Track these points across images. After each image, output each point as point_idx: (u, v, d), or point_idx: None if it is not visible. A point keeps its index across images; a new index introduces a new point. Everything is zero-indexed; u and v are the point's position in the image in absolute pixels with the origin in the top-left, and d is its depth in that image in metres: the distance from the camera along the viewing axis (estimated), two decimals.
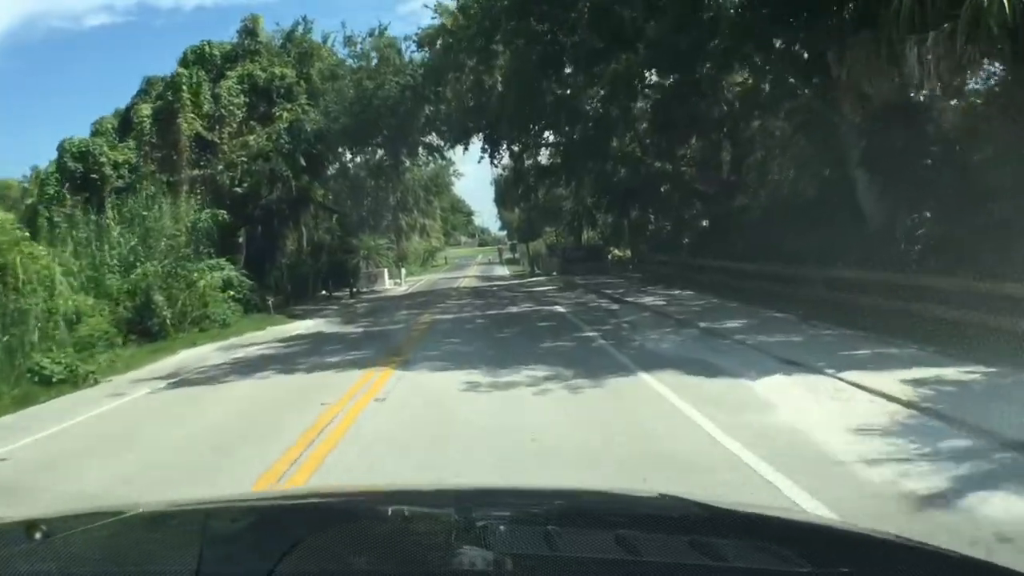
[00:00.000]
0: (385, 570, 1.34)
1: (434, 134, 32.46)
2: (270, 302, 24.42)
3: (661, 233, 31.70)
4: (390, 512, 1.85)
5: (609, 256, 41.64)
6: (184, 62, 29.74)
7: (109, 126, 29.36)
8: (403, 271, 44.12)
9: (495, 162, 32.46)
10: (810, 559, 1.35)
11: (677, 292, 21.85)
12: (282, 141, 26.49)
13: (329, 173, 36.65)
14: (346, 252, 42.85)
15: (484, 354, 11.81)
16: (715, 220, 26.33)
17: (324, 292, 36.47)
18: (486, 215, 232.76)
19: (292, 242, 41.56)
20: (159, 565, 1.44)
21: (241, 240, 32.39)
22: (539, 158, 33.76)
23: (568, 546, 1.44)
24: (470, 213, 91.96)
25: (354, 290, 36.84)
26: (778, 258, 16.72)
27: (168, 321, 20.75)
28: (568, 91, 24.03)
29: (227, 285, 24.60)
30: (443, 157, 32.95)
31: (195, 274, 22.49)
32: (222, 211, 23.71)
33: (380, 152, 30.56)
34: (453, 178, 38.55)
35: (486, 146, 28.60)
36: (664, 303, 18.88)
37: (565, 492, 2.39)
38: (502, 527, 1.59)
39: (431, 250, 68.17)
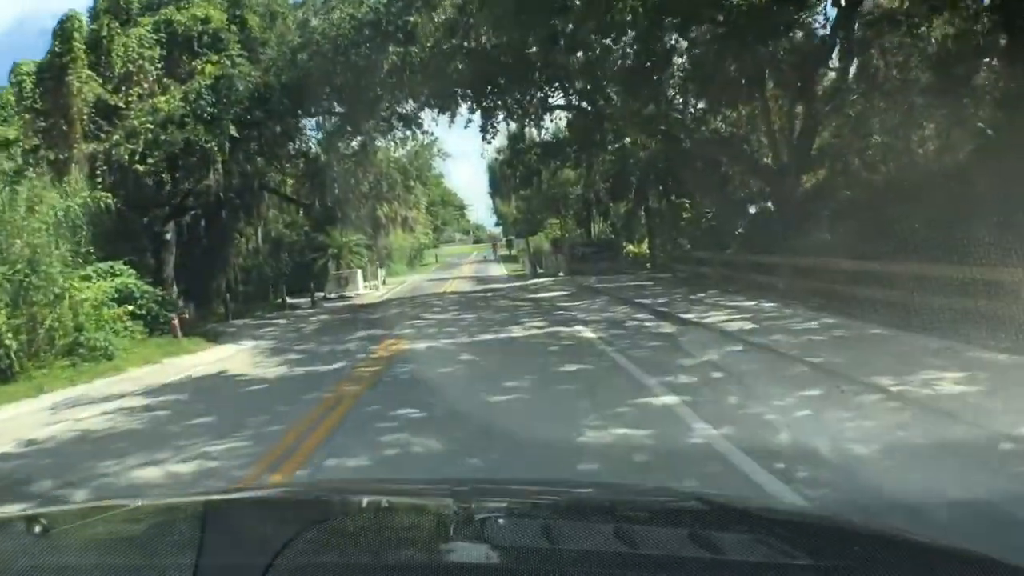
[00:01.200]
0: (384, 562, 1.31)
1: (410, 101, 25.88)
2: (175, 319, 17.73)
3: (699, 222, 25.13)
4: (390, 505, 1.83)
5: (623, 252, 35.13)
6: (95, 14, 23.08)
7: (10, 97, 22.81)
8: (382, 272, 37.48)
9: (488, 136, 26.01)
10: (811, 552, 1.36)
11: (747, 303, 15.32)
12: (202, 102, 19.81)
13: (291, 153, 30.15)
14: (315, 250, 36.31)
15: (465, 463, 5.34)
16: (783, 203, 19.79)
17: (286, 299, 29.83)
18: (482, 210, 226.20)
19: (251, 240, 35.07)
20: (158, 559, 1.39)
21: (169, 237, 25.78)
22: (544, 129, 27.25)
23: (567, 539, 1.43)
24: (462, 207, 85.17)
25: (317, 296, 30.19)
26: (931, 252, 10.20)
27: (15, 353, 14.22)
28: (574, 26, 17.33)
29: (124, 298, 17.98)
30: (419, 127, 26.27)
31: (67, 283, 15.87)
32: (105, 195, 17.02)
33: (335, 119, 23.91)
34: (438, 158, 31.75)
35: (472, 106, 22.02)
36: (750, 323, 12.31)
37: (565, 484, 2.47)
38: (502, 520, 1.58)
39: (418, 248, 61.41)
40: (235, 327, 21.87)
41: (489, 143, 26.80)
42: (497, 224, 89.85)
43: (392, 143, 28.26)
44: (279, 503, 1.93)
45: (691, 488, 1.88)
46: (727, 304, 15.59)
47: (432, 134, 27.07)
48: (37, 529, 1.48)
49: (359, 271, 34.25)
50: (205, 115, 20.11)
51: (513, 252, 73.51)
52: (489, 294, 26.62)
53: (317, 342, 15.94)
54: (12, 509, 4.64)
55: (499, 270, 49.55)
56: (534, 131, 27.68)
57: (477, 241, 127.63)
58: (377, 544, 1.46)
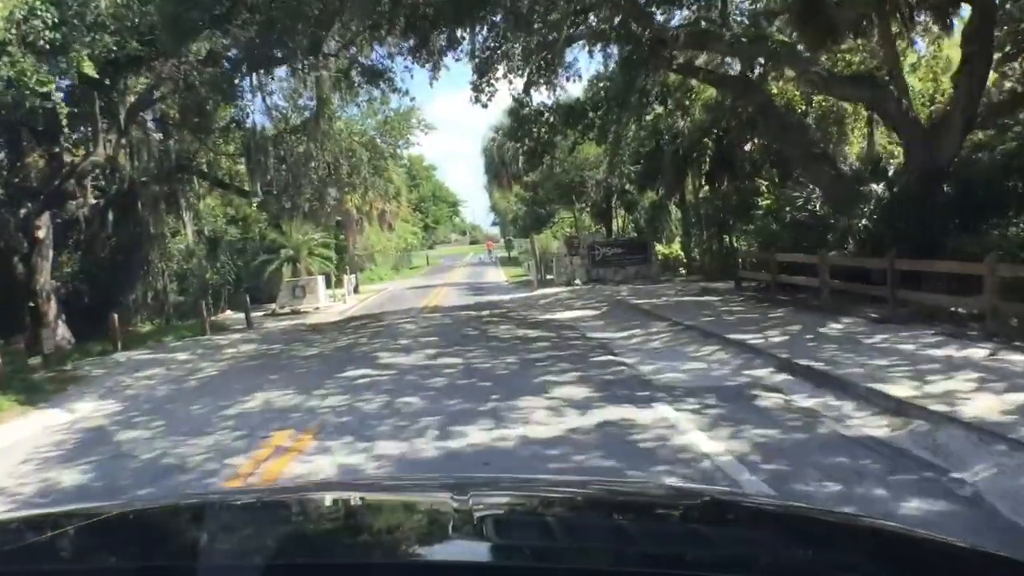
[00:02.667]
0: (381, 561, 1.28)
1: (375, 49, 18.65)
2: None
3: (782, 211, 17.82)
4: (387, 503, 1.84)
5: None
6: None
7: None
8: (352, 278, 30.11)
9: (482, 97, 18.95)
10: (808, 548, 1.36)
11: (949, 347, 8.12)
12: (35, 25, 12.52)
13: (227, 125, 22.99)
14: (269, 252, 28.97)
15: None
16: (934, 177, 12.66)
17: (210, 315, 22.50)
18: (479, 210, 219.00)
19: (183, 239, 27.66)
20: (156, 560, 1.34)
21: (43, 234, 18.56)
22: (559, 88, 19.99)
23: (567, 536, 1.43)
24: (455, 203, 77.53)
25: (266, 310, 22.87)
26: None
27: None
28: None
29: None
30: (390, 84, 19.00)
31: None
32: None
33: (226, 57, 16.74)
34: (420, 132, 24.19)
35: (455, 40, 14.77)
36: None
37: (565, 482, 2.50)
38: (500, 517, 1.59)
39: (405, 248, 54.06)
40: (110, 366, 14.67)
41: (484, 107, 19.52)
42: (494, 224, 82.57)
43: (353, 104, 20.94)
44: (276, 504, 1.88)
45: (693, 486, 1.87)
46: (915, 347, 8.36)
47: (407, 92, 19.74)
48: (33, 533, 1.56)
49: (320, 278, 26.94)
50: (42, 41, 12.78)
51: (513, 253, 66.05)
52: (484, 312, 19.28)
53: (167, 420, 8.62)
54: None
55: (497, 275, 42.20)
56: (545, 92, 20.40)
57: (474, 242, 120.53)
58: (374, 542, 1.45)
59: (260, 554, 1.27)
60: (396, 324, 17.80)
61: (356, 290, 32.84)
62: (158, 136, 23.28)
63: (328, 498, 1.97)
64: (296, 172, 22.81)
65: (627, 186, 27.99)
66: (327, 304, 26.80)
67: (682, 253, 31.34)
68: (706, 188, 29.01)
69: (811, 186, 16.25)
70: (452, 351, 12.09)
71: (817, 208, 15.67)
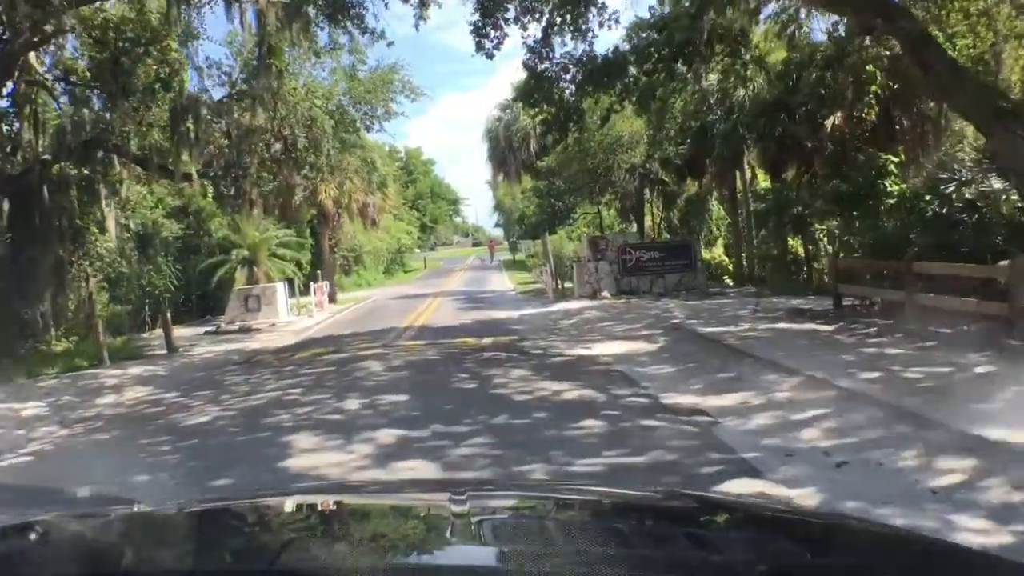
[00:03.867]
0: (379, 565, 1.30)
1: None
2: None
3: (906, 203, 12.31)
4: (386, 507, 1.84)
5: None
6: None
7: None
8: (326, 284, 24.51)
9: (487, 43, 14.01)
10: (808, 551, 1.35)
11: None
12: None
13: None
14: (224, 252, 23.51)
15: None
16: None
17: (103, 340, 17.16)
18: (482, 212, 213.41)
19: (111, 232, 22.12)
20: (155, 564, 1.39)
21: None
22: (590, 36, 14.76)
23: (563, 541, 1.43)
24: (456, 200, 71.78)
25: (171, 339, 17.45)
26: None
27: None
28: None
29: None
30: (354, 22, 13.55)
31: None
32: None
33: None
34: (404, 98, 18.31)
35: None
36: None
37: (563, 488, 2.42)
38: (499, 522, 1.59)
39: (397, 250, 48.40)
40: None
41: (490, 57, 14.10)
42: (497, 225, 76.94)
43: (311, 53, 15.42)
44: (275, 508, 1.90)
45: (692, 491, 1.73)
46: None
47: (382, 34, 14.03)
48: (33, 536, 1.53)
49: (280, 285, 21.40)
50: None
51: (519, 256, 60.39)
52: (487, 341, 13.70)
53: None
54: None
55: (502, 281, 36.59)
56: (570, 41, 14.94)
57: (476, 244, 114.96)
58: (372, 547, 1.43)
59: (257, 559, 1.27)
60: (358, 358, 12.29)
61: (333, 299, 27.32)
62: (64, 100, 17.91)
63: (327, 503, 1.93)
64: (240, 147, 17.35)
65: (663, 175, 22.47)
66: (288, 319, 21.31)
67: (725, 258, 25.84)
68: (757, 178, 23.54)
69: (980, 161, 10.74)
70: (426, 437, 6.57)
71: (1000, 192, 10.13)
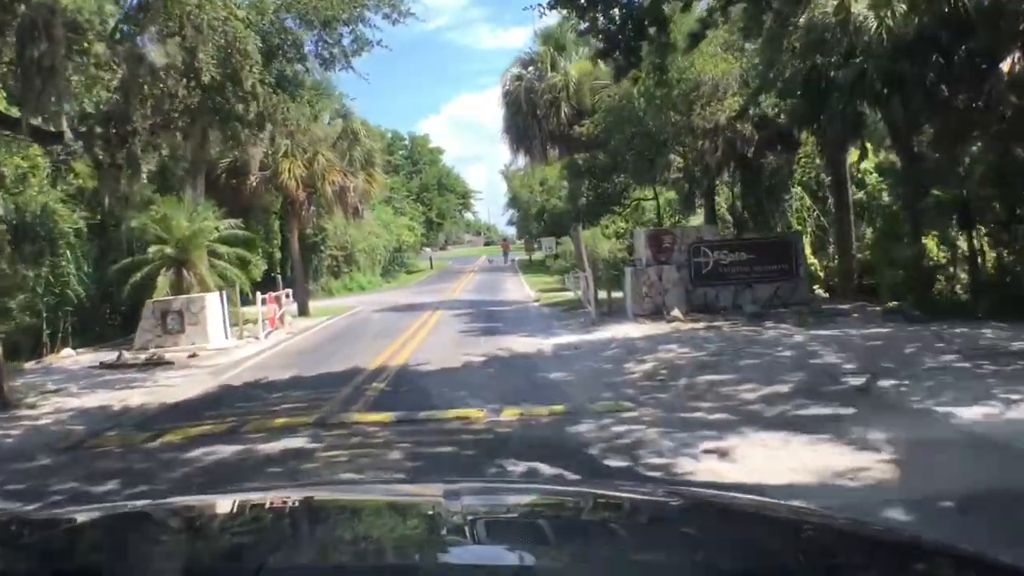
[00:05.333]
0: (373, 565, 1.28)
1: None
2: None
3: None
4: (380, 507, 1.79)
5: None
6: None
7: None
8: (283, 295, 18.17)
9: None
10: (802, 551, 1.35)
11: None
12: None
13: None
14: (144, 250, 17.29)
15: None
16: None
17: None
18: (495, 210, 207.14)
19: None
20: (149, 562, 1.39)
21: None
22: None
23: (559, 541, 1.41)
24: (466, 194, 65.06)
25: (5, 387, 11.05)
26: None
27: None
28: None
29: None
30: None
31: None
32: None
33: None
34: (379, 22, 11.88)
35: None
36: None
37: (558, 490, 2.41)
38: (494, 522, 1.54)
39: (396, 249, 41.95)
40: None
41: None
42: (511, 223, 70.29)
43: None
44: (269, 507, 1.86)
45: (692, 490, 1.81)
46: None
47: None
48: (26, 533, 1.56)
49: (212, 297, 15.14)
50: None
51: (536, 256, 53.96)
52: (507, 416, 7.30)
53: None
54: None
55: (520, 287, 30.24)
56: None
57: (488, 243, 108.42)
58: (366, 546, 1.42)
59: (251, 558, 1.25)
60: (249, 462, 6.05)
61: (305, 310, 21.13)
62: None
63: (321, 502, 1.90)
64: (129, 90, 11.22)
65: (748, 147, 16.04)
66: (223, 343, 15.12)
67: (816, 261, 19.36)
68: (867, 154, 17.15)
69: None
70: None
71: None
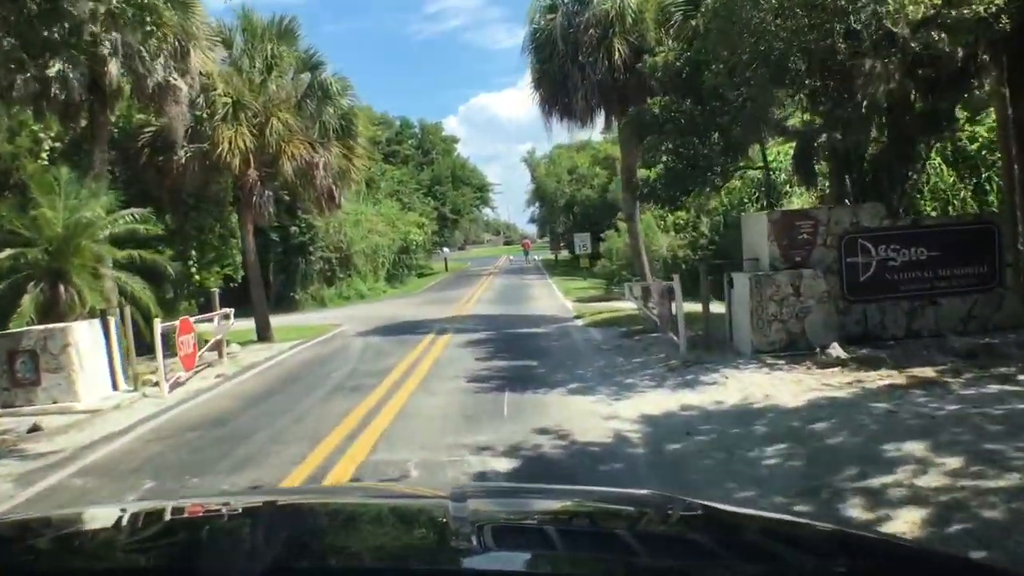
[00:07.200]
0: (377, 567, 1.28)
1: None
2: None
3: None
4: (385, 509, 1.79)
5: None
6: None
7: None
8: (217, 316, 12.69)
9: None
10: (804, 558, 1.35)
11: None
12: None
13: None
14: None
15: None
16: None
17: None
18: (514, 209, 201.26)
19: None
20: (155, 562, 1.38)
21: None
22: None
23: (563, 544, 1.39)
24: (483, 187, 58.81)
25: None
26: None
27: None
28: None
29: None
30: None
31: None
32: None
33: None
34: None
35: None
36: None
37: (561, 491, 2.40)
38: (499, 525, 1.54)
39: (404, 247, 36.13)
40: None
41: None
42: (532, 221, 64.44)
43: None
44: (274, 508, 1.84)
45: (690, 499, 1.61)
46: None
47: None
48: (32, 533, 1.55)
49: (86, 327, 9.74)
50: None
51: (562, 256, 48.09)
52: None
53: None
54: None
55: (551, 295, 24.52)
56: None
57: (508, 242, 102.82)
58: (371, 548, 1.41)
59: (258, 560, 1.25)
60: None
61: (265, 334, 15.62)
62: None
63: (327, 505, 1.89)
64: None
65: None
66: (105, 400, 9.63)
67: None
68: None
69: None
70: None
71: None
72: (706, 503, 1.78)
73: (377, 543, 1.45)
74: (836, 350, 8.36)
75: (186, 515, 1.76)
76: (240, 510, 1.80)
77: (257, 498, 2.15)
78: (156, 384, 10.34)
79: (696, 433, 6.11)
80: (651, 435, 6.19)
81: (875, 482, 4.63)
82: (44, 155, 13.55)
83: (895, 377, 7.49)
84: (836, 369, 8.04)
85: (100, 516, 1.79)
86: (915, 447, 5.20)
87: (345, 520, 1.67)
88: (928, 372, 7.57)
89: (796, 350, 8.95)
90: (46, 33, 9.48)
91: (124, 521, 1.72)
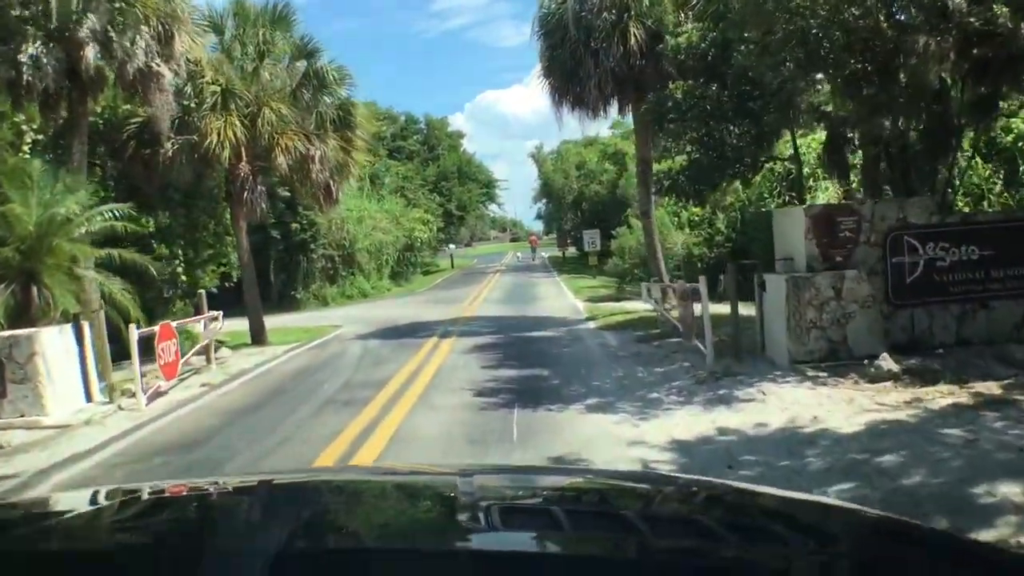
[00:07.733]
0: (387, 547, 1.24)
1: None
2: None
3: None
4: (395, 490, 1.75)
5: None
6: None
7: None
8: (203, 321, 11.90)
9: None
10: (809, 537, 1.33)
11: None
12: None
13: None
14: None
15: None
16: None
17: None
18: (520, 206, 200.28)
19: None
20: (166, 543, 1.34)
21: None
22: None
23: (571, 523, 1.36)
24: (489, 183, 57.81)
25: None
26: None
27: None
28: None
29: None
30: None
31: None
32: None
33: None
34: None
35: None
36: None
37: (567, 471, 2.44)
38: (507, 504, 1.49)
39: (409, 245, 35.33)
40: None
41: None
42: (538, 217, 63.68)
43: None
44: (286, 489, 1.78)
45: (697, 478, 1.68)
46: None
47: None
48: (45, 514, 1.52)
49: (49, 333, 8.95)
50: None
51: (570, 253, 47.18)
52: None
53: None
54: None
55: (560, 294, 23.66)
56: None
57: (514, 239, 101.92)
58: (381, 529, 1.40)
59: (267, 540, 1.21)
60: None
61: (260, 336, 14.81)
62: None
63: (338, 485, 1.85)
64: None
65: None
66: (75, 413, 8.80)
67: None
68: None
69: None
70: None
71: None
72: (715, 480, 1.72)
73: (382, 525, 1.43)
74: (887, 361, 7.45)
75: (191, 495, 1.75)
76: (245, 493, 1.77)
77: (263, 479, 2.13)
78: (134, 395, 9.53)
79: (739, 466, 5.22)
80: (686, 468, 5.31)
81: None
82: (26, 148, 12.80)
83: (957, 394, 6.59)
84: (888, 384, 7.14)
85: (106, 496, 1.74)
86: (1012, 490, 4.30)
87: (352, 502, 1.64)
88: (993, 388, 6.67)
89: (837, 360, 8.04)
90: (15, 13, 8.67)
91: (126, 501, 1.66)
